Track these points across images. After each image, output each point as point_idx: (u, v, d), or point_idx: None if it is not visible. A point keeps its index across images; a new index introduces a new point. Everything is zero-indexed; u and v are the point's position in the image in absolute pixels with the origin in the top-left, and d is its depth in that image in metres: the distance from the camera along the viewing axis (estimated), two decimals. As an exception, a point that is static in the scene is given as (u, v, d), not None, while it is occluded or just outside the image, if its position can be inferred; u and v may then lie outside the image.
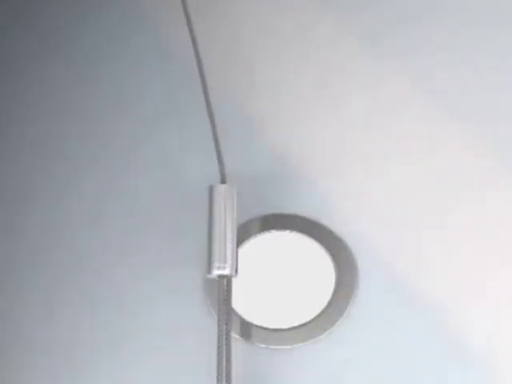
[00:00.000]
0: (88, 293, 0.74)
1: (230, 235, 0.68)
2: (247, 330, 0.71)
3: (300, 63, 0.81)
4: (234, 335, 0.71)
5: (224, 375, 0.66)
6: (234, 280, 0.71)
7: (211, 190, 0.69)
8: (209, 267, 0.68)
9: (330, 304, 0.71)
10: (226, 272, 0.67)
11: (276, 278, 0.72)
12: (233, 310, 0.71)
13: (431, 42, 0.80)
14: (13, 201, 0.78)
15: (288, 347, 0.70)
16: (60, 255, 0.76)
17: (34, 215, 0.77)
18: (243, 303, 0.72)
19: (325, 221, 0.75)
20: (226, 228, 0.68)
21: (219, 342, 0.66)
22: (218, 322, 0.67)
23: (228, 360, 0.66)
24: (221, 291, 0.68)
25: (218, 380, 0.65)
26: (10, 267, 0.75)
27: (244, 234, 0.74)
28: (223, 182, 0.71)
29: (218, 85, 0.81)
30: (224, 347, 0.66)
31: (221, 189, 0.69)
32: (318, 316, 0.70)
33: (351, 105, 0.80)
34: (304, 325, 0.70)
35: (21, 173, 0.78)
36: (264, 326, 0.71)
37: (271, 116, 0.80)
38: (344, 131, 0.79)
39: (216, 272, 0.68)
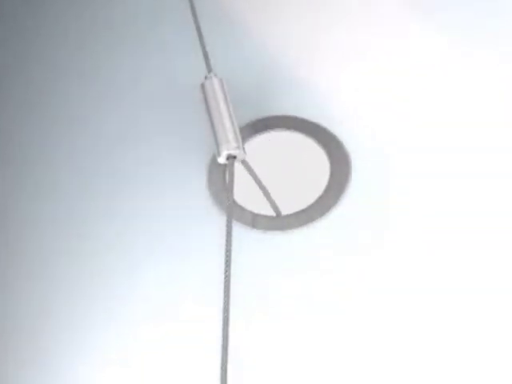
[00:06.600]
0: (93, 180, 0.82)
1: (230, 120, 0.71)
2: (249, 217, 0.77)
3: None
4: (238, 222, 0.77)
5: (231, 258, 0.71)
6: (236, 175, 0.77)
7: (201, 86, 0.73)
8: (217, 150, 0.70)
9: (324, 195, 0.77)
10: (236, 152, 0.69)
11: (276, 172, 0.79)
12: (235, 201, 0.77)
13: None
14: None
15: (284, 232, 0.76)
16: (65, 139, 0.84)
17: None
18: (245, 195, 0.78)
19: (319, 120, 0.81)
20: (224, 114, 0.71)
21: (228, 226, 0.68)
22: (227, 205, 0.69)
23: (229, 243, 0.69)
24: (230, 172, 0.69)
25: (226, 262, 0.69)
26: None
27: (246, 133, 0.80)
28: (209, 70, 0.75)
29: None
30: (231, 231, 0.69)
31: (210, 82, 0.73)
32: (313, 205, 0.77)
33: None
34: (300, 212, 0.77)
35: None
36: (264, 214, 0.77)
37: (264, 20, 0.87)
38: (346, 34, 0.85)
39: (225, 152, 0.69)
